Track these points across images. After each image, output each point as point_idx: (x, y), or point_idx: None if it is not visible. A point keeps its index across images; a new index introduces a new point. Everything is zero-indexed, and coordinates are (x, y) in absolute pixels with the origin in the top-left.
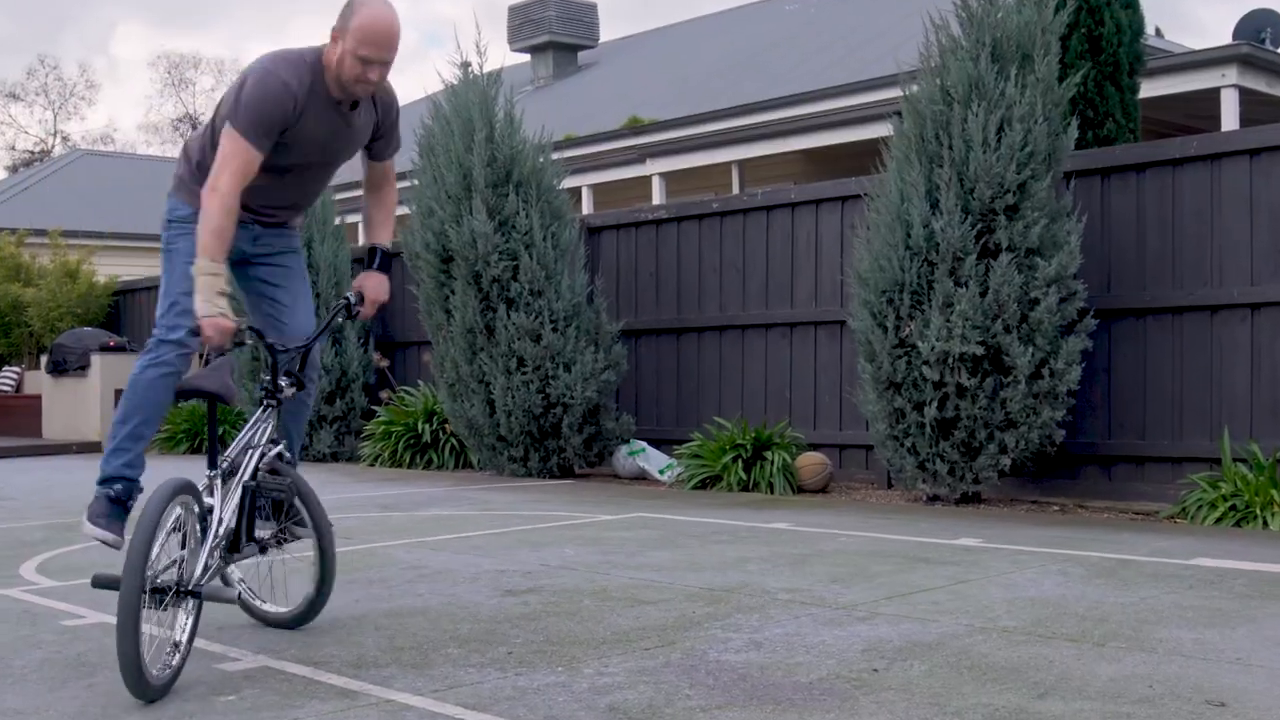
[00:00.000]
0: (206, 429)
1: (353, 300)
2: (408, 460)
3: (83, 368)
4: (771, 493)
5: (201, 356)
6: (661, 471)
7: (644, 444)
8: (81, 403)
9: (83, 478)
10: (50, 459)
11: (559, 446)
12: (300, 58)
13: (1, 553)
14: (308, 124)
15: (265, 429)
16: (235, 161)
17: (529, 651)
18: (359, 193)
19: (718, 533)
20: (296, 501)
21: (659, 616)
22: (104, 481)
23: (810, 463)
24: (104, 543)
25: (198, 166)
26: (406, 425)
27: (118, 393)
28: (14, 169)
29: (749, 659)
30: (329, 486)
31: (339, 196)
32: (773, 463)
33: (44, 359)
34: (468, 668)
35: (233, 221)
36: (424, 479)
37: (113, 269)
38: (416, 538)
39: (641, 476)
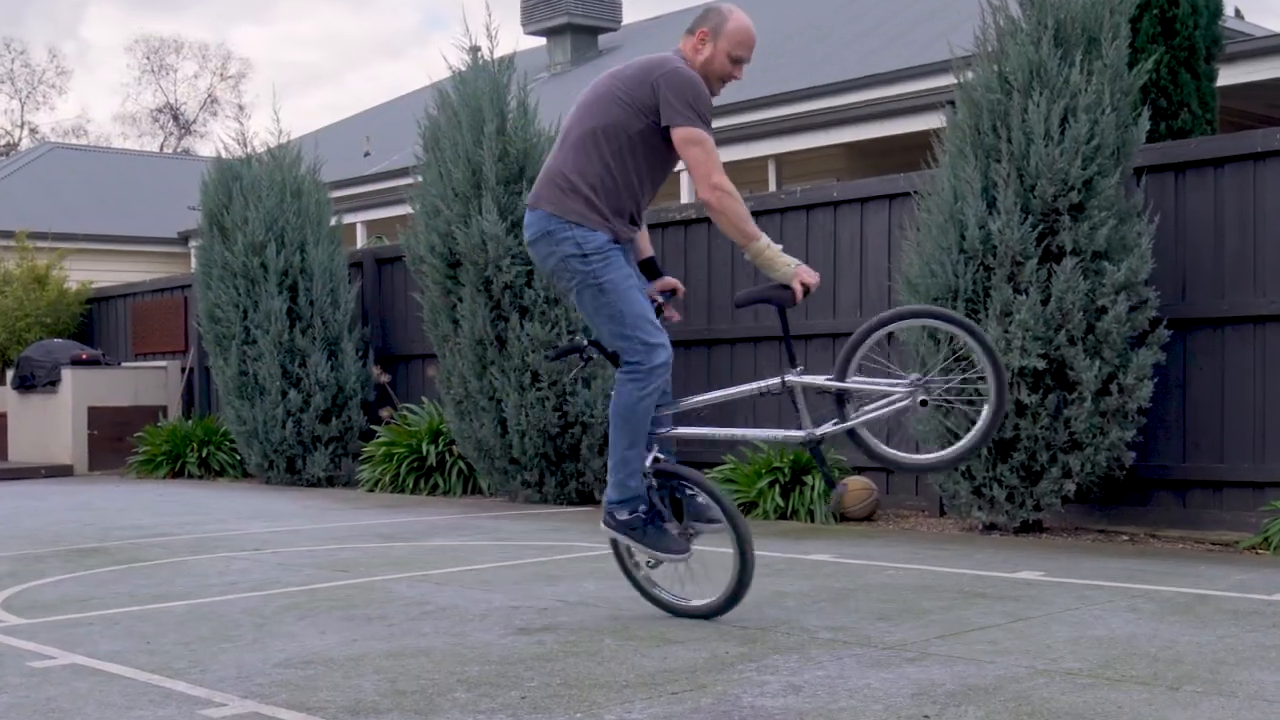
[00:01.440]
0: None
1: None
2: (411, 485)
3: (52, 383)
4: (812, 521)
5: None
6: None
7: None
8: (51, 421)
9: (54, 504)
10: (16, 484)
11: (577, 470)
12: (678, 56)
13: None
14: None
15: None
16: (715, 154)
17: (544, 695)
18: (355, 190)
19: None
20: (701, 497)
21: (688, 657)
22: (632, 501)
23: (854, 488)
24: (675, 559)
25: (598, 189)
26: (409, 446)
27: (90, 410)
28: None
29: (787, 704)
30: (323, 514)
31: (336, 194)
32: (813, 488)
33: (9, 374)
34: (476, 713)
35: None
36: (429, 506)
37: (86, 274)
38: (420, 570)
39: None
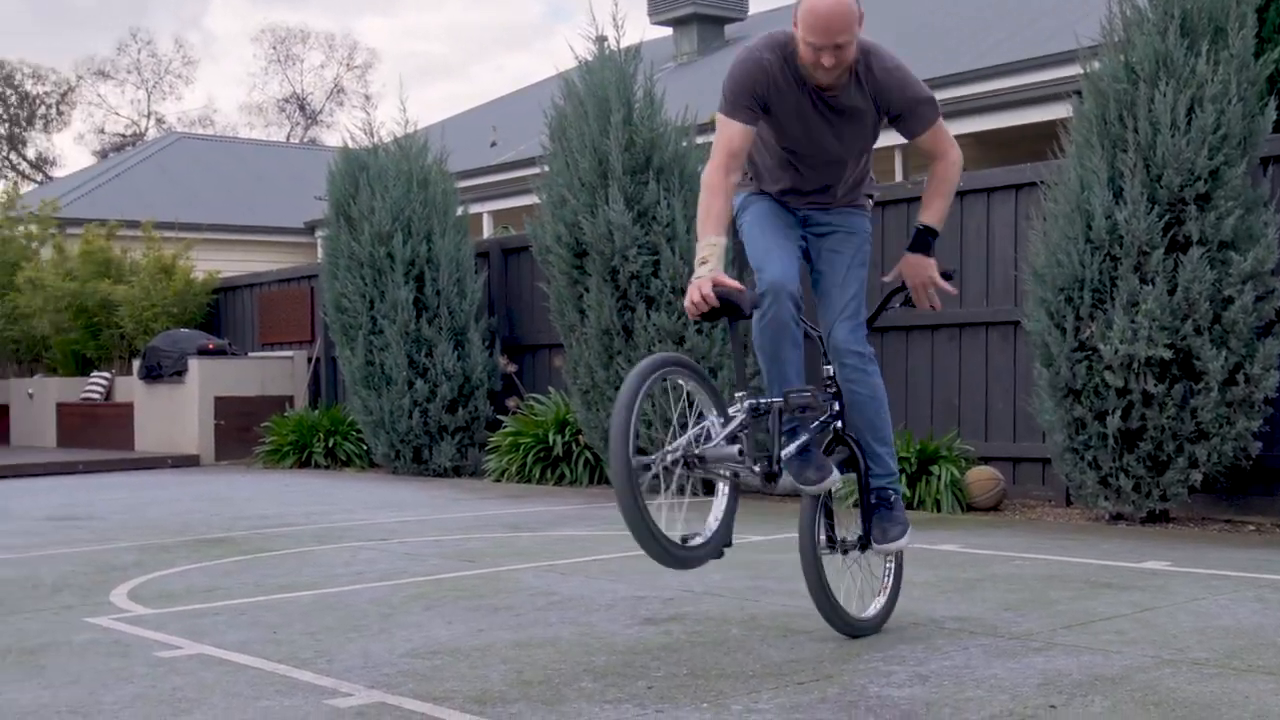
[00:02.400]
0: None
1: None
2: (537, 475)
3: (179, 373)
4: (938, 511)
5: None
6: None
7: None
8: (178, 411)
9: (180, 494)
10: (143, 474)
11: None
12: (781, 36)
13: (90, 578)
14: (785, 102)
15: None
16: (718, 138)
17: (670, 686)
18: (481, 180)
19: None
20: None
21: (814, 647)
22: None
23: (981, 478)
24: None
25: (753, 162)
26: (536, 436)
27: (217, 400)
28: (103, 154)
29: (913, 694)
30: (449, 505)
31: (462, 184)
32: (940, 478)
33: (136, 363)
34: (603, 704)
35: (715, 199)
36: (555, 496)
37: (212, 264)
38: (546, 561)
39: (797, 493)
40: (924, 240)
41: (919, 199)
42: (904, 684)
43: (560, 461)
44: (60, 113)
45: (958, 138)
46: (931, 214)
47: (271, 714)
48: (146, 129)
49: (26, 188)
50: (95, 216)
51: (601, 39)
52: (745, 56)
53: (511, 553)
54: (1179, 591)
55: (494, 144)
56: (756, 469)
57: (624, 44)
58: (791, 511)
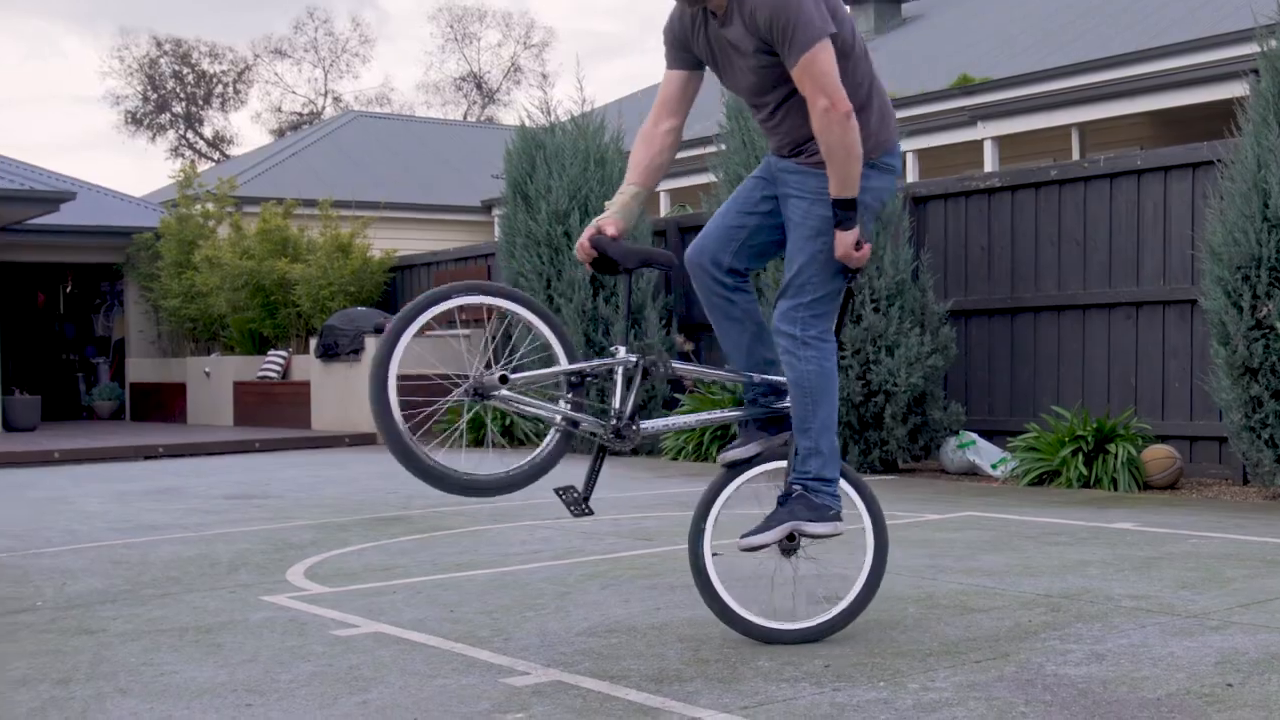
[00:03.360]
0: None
1: None
2: (714, 454)
3: (355, 351)
4: (1114, 489)
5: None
6: (994, 466)
7: (974, 436)
8: (354, 390)
9: (357, 473)
10: (319, 452)
11: (881, 439)
12: None
13: (267, 556)
14: (699, 44)
15: None
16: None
17: (847, 665)
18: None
19: (1055, 533)
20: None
21: (991, 626)
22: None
23: (1157, 456)
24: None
25: None
26: None
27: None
28: (280, 132)
29: (1090, 672)
30: (627, 483)
31: None
32: (1116, 456)
33: (313, 342)
34: (780, 682)
35: (637, 148)
36: None
37: (389, 243)
38: (724, 539)
39: (971, 472)
40: (835, 213)
41: (1096, 178)
42: (1080, 662)
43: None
44: (237, 91)
45: (1134, 117)
46: (830, 183)
47: (448, 692)
48: (323, 107)
49: (204, 166)
50: (272, 195)
51: None
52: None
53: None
54: None
55: None
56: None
57: None
58: (969, 490)
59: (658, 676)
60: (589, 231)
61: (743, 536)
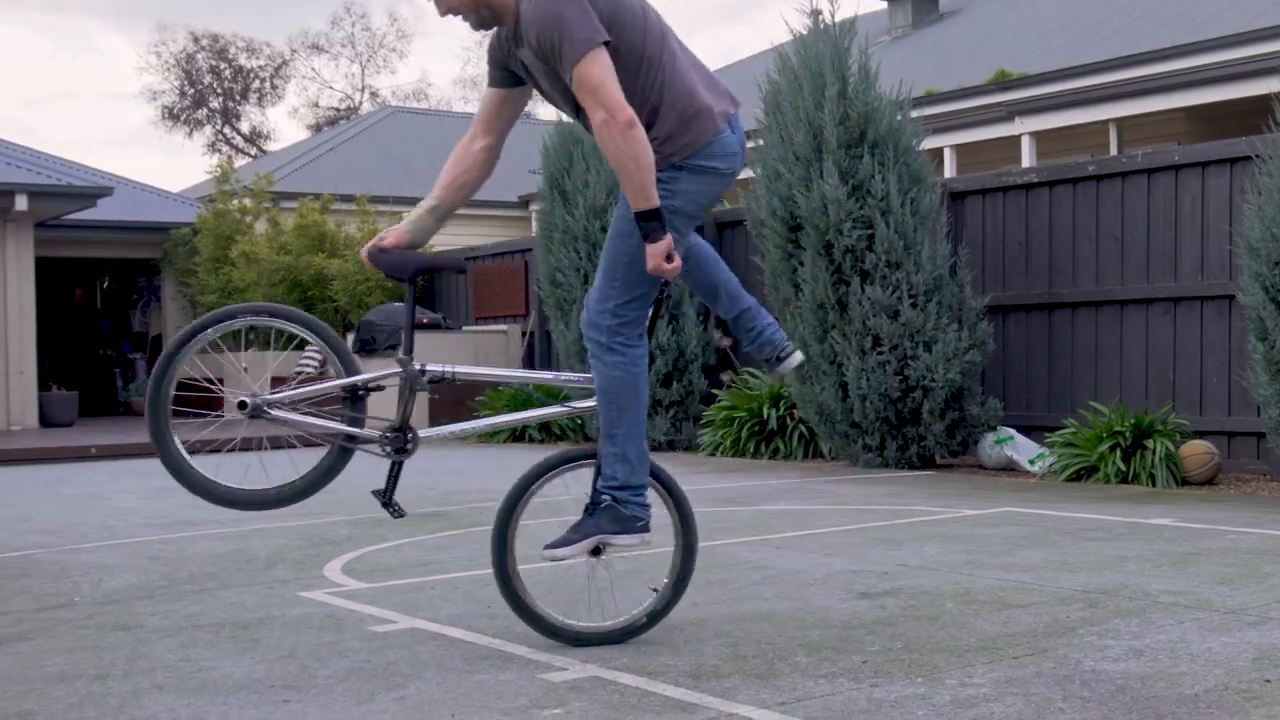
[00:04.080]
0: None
1: None
2: (751, 449)
3: (393, 347)
4: (1153, 485)
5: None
6: (1031, 462)
7: (1012, 431)
8: (395, 386)
9: None
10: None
11: (918, 434)
12: None
13: (304, 552)
14: (515, 60)
15: None
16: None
17: (885, 660)
18: None
19: (1093, 529)
20: None
21: (1029, 622)
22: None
23: (1195, 452)
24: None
25: None
26: (750, 411)
27: None
28: (318, 128)
29: (1128, 668)
30: None
31: None
32: (1154, 452)
33: (350, 338)
34: (818, 678)
35: (447, 165)
36: (769, 470)
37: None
38: (760, 535)
39: (1009, 467)
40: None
41: (1133, 173)
42: (1119, 658)
43: (774, 435)
44: (274, 86)
45: (1171, 112)
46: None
47: (486, 688)
48: (360, 103)
49: (240, 161)
50: (309, 190)
51: (816, 12)
52: None
53: (725, 527)
54: None
55: None
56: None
57: (838, 17)
58: (1006, 486)
59: (695, 672)
60: (370, 244)
61: (546, 547)
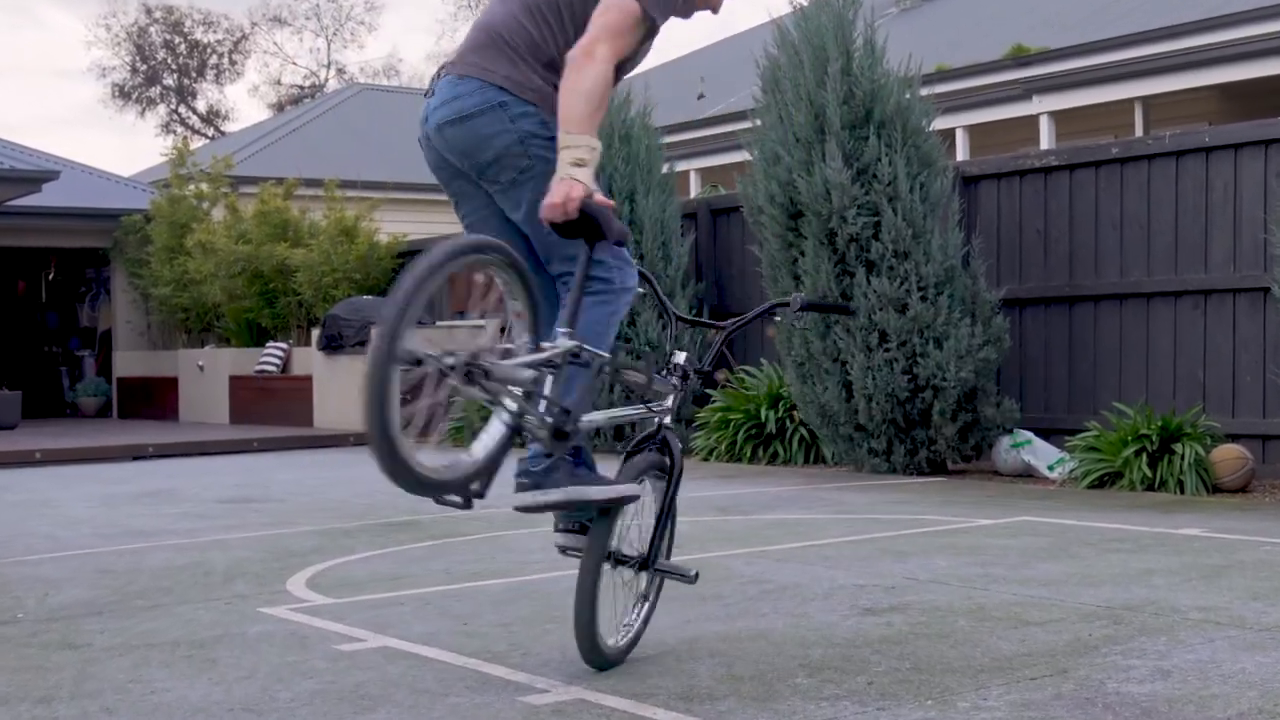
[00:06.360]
0: None
1: None
2: (748, 454)
3: (362, 343)
4: (1181, 492)
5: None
6: (1050, 467)
7: (1030, 434)
8: (359, 385)
9: (364, 474)
10: (323, 452)
11: (928, 437)
12: None
13: (266, 564)
14: None
15: None
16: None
17: (892, 681)
18: (688, 135)
19: (1117, 540)
20: None
21: (1047, 640)
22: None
23: (1228, 457)
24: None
25: (550, 65)
26: (747, 412)
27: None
28: (280, 107)
29: (1154, 690)
30: None
31: (667, 140)
32: (1183, 457)
33: (315, 333)
34: (819, 700)
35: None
36: (767, 476)
37: (397, 226)
38: (758, 546)
39: (1026, 473)
40: None
41: (1161, 156)
42: (1144, 679)
43: (773, 439)
44: (233, 63)
45: (1201, 90)
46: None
47: (461, 712)
48: (326, 80)
49: (197, 143)
50: (271, 174)
51: None
52: None
53: (721, 537)
54: None
55: (701, 96)
56: (548, 417)
57: None
58: (1023, 493)
59: (687, 694)
60: (581, 190)
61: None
